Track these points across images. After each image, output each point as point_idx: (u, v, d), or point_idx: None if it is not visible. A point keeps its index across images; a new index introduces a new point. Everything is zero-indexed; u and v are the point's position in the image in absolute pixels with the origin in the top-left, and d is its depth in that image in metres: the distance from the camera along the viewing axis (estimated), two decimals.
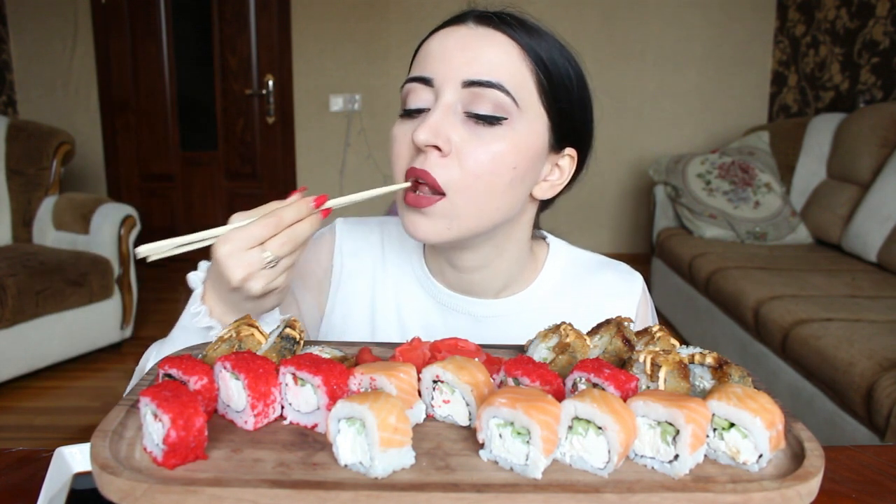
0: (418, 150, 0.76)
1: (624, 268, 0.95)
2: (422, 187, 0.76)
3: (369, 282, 0.94)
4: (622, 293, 0.93)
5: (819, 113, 4.11)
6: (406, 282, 0.93)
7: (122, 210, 3.30)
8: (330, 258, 0.95)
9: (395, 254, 0.95)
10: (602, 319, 0.78)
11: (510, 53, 0.77)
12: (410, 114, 0.79)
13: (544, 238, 0.97)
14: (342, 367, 0.60)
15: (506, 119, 0.76)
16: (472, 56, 0.76)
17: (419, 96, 0.78)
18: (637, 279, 0.95)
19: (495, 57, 0.76)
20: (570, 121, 0.82)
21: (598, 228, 4.97)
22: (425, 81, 0.77)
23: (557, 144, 0.82)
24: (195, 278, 0.79)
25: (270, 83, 4.79)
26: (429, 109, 0.77)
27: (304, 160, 4.91)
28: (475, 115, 0.75)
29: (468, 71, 0.75)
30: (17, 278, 2.83)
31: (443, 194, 0.75)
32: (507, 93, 0.75)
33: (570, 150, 0.84)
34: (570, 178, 0.86)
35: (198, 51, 4.80)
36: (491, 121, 0.75)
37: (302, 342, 0.69)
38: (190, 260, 0.76)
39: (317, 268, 0.96)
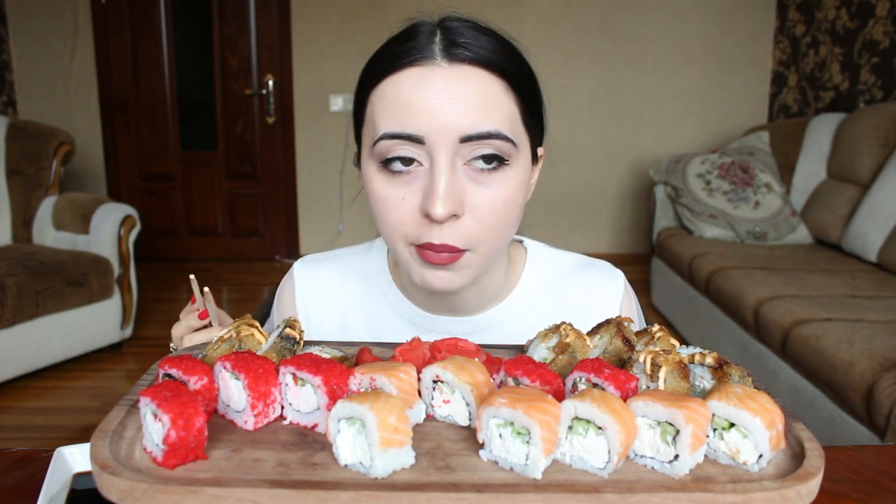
0: (428, 217, 0.71)
1: (604, 265, 0.94)
2: (440, 254, 0.73)
3: (338, 316, 0.92)
4: (604, 292, 0.91)
5: (819, 113, 4.11)
6: (378, 308, 0.91)
7: (122, 210, 3.30)
8: (293, 302, 0.94)
9: (360, 284, 0.93)
10: (586, 320, 0.78)
11: (496, 91, 0.72)
12: (394, 169, 0.73)
13: (521, 242, 0.95)
14: (342, 367, 0.60)
15: (507, 161, 0.73)
16: (464, 107, 0.70)
17: (405, 151, 0.72)
18: (618, 276, 0.93)
19: (487, 102, 0.71)
20: (543, 128, 0.82)
21: (598, 228, 4.97)
22: (414, 139, 0.70)
23: (534, 154, 0.81)
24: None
25: (270, 83, 4.79)
26: (419, 164, 0.72)
27: (304, 160, 4.91)
28: (478, 167, 0.72)
29: (464, 124, 0.70)
30: (17, 278, 2.83)
31: (464, 251, 0.74)
32: (507, 138, 0.72)
33: (540, 151, 0.83)
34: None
35: (198, 51, 4.80)
36: (494, 168, 0.73)
37: (302, 342, 0.69)
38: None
39: (284, 314, 0.95)
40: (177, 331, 0.85)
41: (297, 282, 0.94)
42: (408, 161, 0.72)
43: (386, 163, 0.73)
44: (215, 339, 0.69)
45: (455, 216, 0.72)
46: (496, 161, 0.72)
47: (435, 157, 0.71)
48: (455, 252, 0.73)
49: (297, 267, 0.96)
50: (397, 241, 0.76)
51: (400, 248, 0.76)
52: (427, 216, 0.71)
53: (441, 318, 0.88)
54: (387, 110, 0.72)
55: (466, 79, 0.71)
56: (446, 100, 0.70)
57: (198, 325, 0.84)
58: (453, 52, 0.71)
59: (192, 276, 0.84)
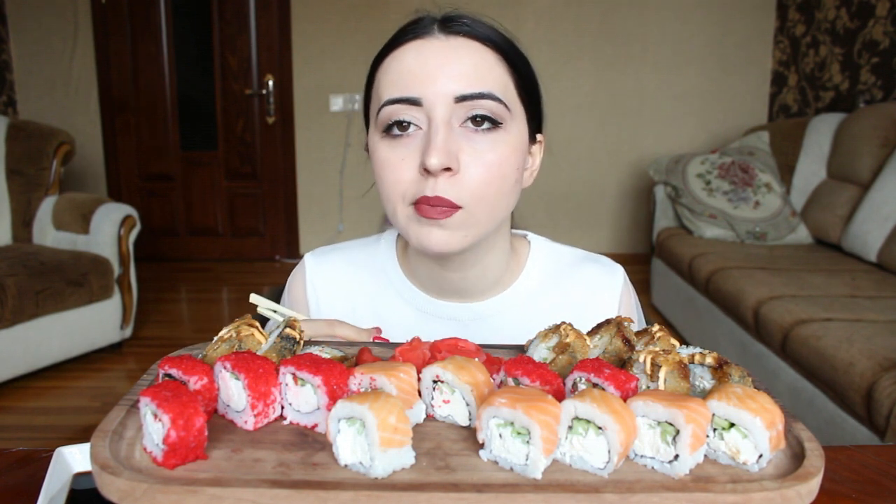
0: (426, 173, 0.75)
1: (605, 260, 0.97)
2: (435, 208, 0.76)
3: (347, 305, 0.95)
4: (604, 286, 0.94)
5: (819, 113, 4.11)
6: (386, 297, 0.93)
7: (122, 210, 3.30)
8: (304, 292, 0.97)
9: (369, 273, 0.95)
10: (585, 313, 0.79)
11: (489, 60, 0.78)
12: (395, 134, 0.78)
13: (524, 236, 0.98)
14: (342, 367, 0.60)
15: (501, 125, 0.77)
16: (458, 70, 0.76)
17: (406, 116, 0.77)
18: (618, 271, 0.96)
19: (480, 67, 0.77)
20: (539, 110, 0.85)
21: (598, 228, 4.97)
22: (413, 102, 0.76)
23: (531, 135, 0.84)
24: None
25: (270, 83, 4.79)
26: (419, 128, 0.77)
27: (304, 160, 4.91)
28: (473, 128, 0.76)
29: (458, 86, 0.75)
30: (17, 278, 2.83)
31: (459, 207, 0.76)
32: (499, 100, 0.77)
33: (539, 136, 0.87)
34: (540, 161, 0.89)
35: (198, 51, 4.80)
36: (488, 130, 0.77)
37: (302, 342, 0.69)
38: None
39: (294, 305, 0.98)
40: (342, 330, 0.81)
41: (308, 273, 0.97)
42: (407, 123, 0.77)
43: (388, 129, 0.78)
44: (215, 339, 0.69)
45: (450, 170, 0.75)
46: (490, 122, 0.77)
47: (432, 116, 0.76)
48: (450, 207, 0.75)
49: (308, 258, 0.98)
50: (396, 203, 0.78)
51: (399, 211, 0.79)
52: (425, 170, 0.75)
53: (446, 304, 0.91)
54: (389, 80, 0.79)
55: (461, 48, 0.77)
56: (443, 65, 0.76)
57: (355, 340, 0.81)
58: (450, 27, 0.78)
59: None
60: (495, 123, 0.77)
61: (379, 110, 0.78)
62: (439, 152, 0.73)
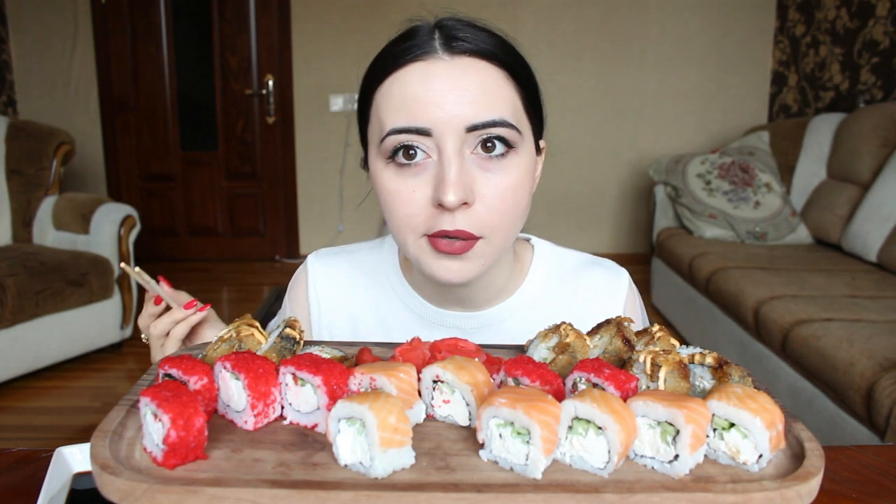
0: (439, 207, 0.72)
1: (609, 264, 0.96)
2: (453, 243, 0.74)
3: (348, 309, 0.94)
4: (609, 290, 0.93)
5: (819, 113, 4.11)
6: (388, 303, 0.92)
7: (122, 210, 3.30)
8: (306, 294, 0.96)
9: (371, 278, 0.94)
10: (590, 317, 0.79)
11: (499, 82, 0.74)
12: (402, 162, 0.74)
13: (528, 240, 0.97)
14: (342, 367, 0.60)
15: (513, 147, 0.75)
16: (469, 98, 0.72)
17: (414, 144, 0.73)
18: (623, 275, 0.95)
19: (489, 90, 0.73)
20: (543, 120, 0.84)
21: (598, 228, 4.97)
22: (421, 132, 0.72)
23: (537, 145, 0.83)
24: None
25: (270, 83, 4.79)
26: (427, 156, 0.73)
27: (304, 160, 4.91)
28: (485, 155, 0.74)
29: (468, 114, 0.72)
30: (17, 278, 2.83)
31: (478, 238, 0.74)
32: (511, 126, 0.74)
33: (542, 143, 0.85)
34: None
35: (198, 51, 4.80)
36: (500, 155, 0.74)
37: (302, 342, 0.69)
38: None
39: (296, 305, 0.97)
40: (142, 321, 0.90)
41: (311, 274, 0.96)
42: (415, 151, 0.73)
43: (393, 155, 0.74)
44: (215, 339, 0.69)
45: (466, 204, 0.73)
46: (503, 146, 0.74)
47: (443, 147, 0.72)
48: (469, 239, 0.73)
49: (311, 260, 0.97)
50: (408, 234, 0.76)
51: (410, 242, 0.76)
52: (439, 206, 0.72)
53: (450, 313, 0.90)
54: (393, 106, 0.74)
55: (468, 70, 0.73)
56: (450, 91, 0.72)
57: (158, 311, 0.89)
58: (454, 45, 0.73)
59: (136, 269, 0.89)
60: (507, 146, 0.74)
61: (383, 139, 0.74)
62: (456, 188, 0.70)
